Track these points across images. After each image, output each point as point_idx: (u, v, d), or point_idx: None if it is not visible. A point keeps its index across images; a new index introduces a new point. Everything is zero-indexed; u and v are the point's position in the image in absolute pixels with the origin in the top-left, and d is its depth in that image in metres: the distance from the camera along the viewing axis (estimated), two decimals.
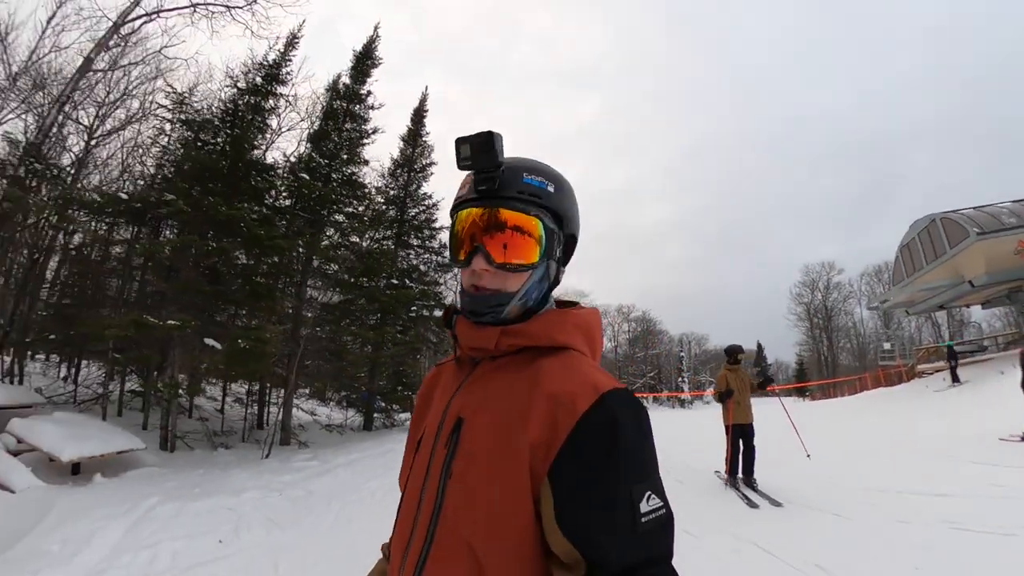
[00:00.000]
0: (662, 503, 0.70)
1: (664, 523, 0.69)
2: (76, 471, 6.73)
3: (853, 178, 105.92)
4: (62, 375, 14.98)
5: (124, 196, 9.90)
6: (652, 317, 62.56)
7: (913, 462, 7.95)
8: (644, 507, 0.68)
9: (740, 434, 6.91)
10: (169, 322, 8.18)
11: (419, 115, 17.68)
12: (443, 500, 0.76)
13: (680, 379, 54.45)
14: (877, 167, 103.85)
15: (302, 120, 14.82)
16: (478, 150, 0.81)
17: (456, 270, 1.01)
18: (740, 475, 6.78)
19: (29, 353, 14.13)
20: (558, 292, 1.01)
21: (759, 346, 56.61)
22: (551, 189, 0.87)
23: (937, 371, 19.81)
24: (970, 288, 18.15)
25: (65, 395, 11.90)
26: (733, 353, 7.41)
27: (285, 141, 12.32)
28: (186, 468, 7.65)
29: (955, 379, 16.64)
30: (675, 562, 0.70)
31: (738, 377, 7.20)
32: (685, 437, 12.99)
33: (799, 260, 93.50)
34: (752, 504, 5.87)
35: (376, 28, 15.04)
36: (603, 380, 0.76)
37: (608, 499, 0.67)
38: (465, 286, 0.87)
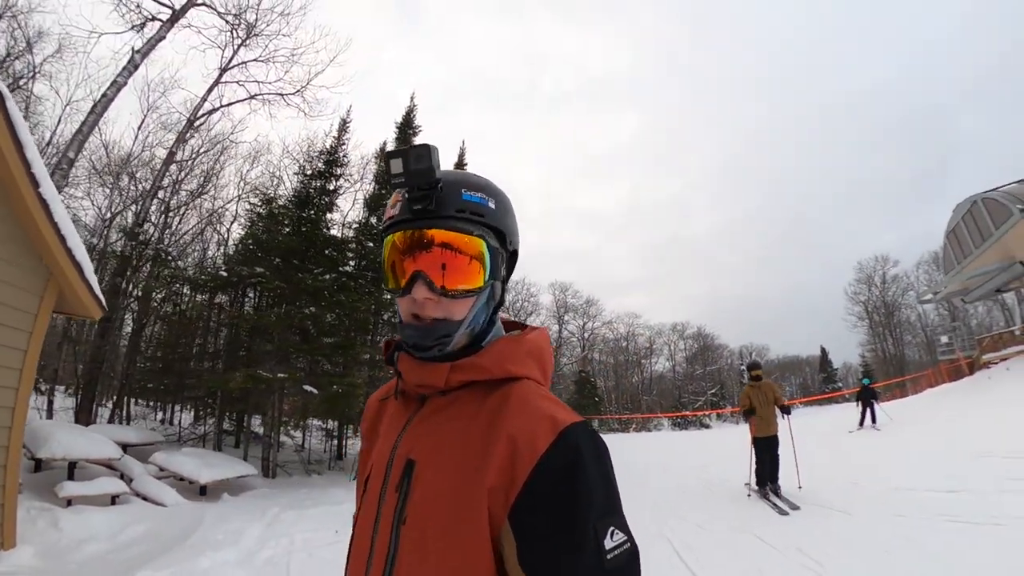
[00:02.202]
0: (626, 537, 0.68)
1: (630, 558, 0.67)
2: (203, 492, 8.24)
3: (903, 160, 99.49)
4: (159, 418, 17.22)
5: (224, 274, 11.89)
6: (708, 332, 61.18)
7: (942, 461, 7.98)
8: (608, 543, 0.66)
9: (764, 446, 7.27)
10: (279, 375, 9.88)
11: (460, 167, 19.12)
12: (396, 548, 0.72)
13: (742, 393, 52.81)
14: (925, 143, 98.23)
15: (356, 183, 16.89)
16: (412, 165, 0.74)
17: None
18: (768, 484, 7.12)
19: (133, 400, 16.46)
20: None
21: (823, 351, 54.41)
22: (492, 205, 0.81)
23: (1003, 359, 18.12)
24: (1023, 268, 17.12)
25: (171, 434, 13.83)
26: (751, 370, 7.72)
27: (343, 200, 14.12)
28: (290, 489, 9.14)
29: (864, 420, 14.42)
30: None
31: (760, 392, 7.45)
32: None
33: (858, 255, 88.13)
34: (782, 511, 6.25)
35: (412, 98, 17.10)
36: (561, 415, 0.73)
37: (573, 539, 0.65)
38: (404, 317, 0.80)
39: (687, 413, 45.05)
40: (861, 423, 14.27)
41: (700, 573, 4.47)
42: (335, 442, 14.93)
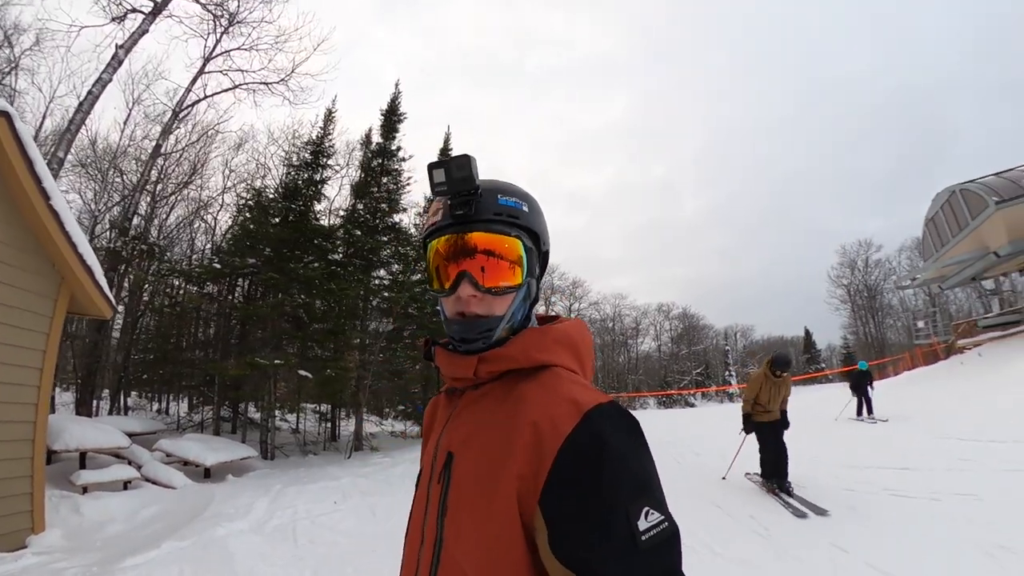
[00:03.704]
0: (663, 516, 0.66)
1: (668, 537, 0.66)
2: (208, 475, 8.77)
3: (891, 146, 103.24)
4: (155, 409, 17.75)
5: (217, 266, 12.38)
6: (694, 312, 62.57)
7: (902, 441, 8.42)
8: (643, 524, 0.64)
9: (769, 432, 6.45)
10: (275, 361, 10.48)
11: (445, 154, 18.60)
12: (442, 536, 0.76)
13: (727, 372, 54.09)
14: (912, 128, 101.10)
15: (342, 169, 17.22)
16: (454, 175, 0.80)
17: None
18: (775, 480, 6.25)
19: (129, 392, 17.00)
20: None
21: (807, 332, 55.54)
22: (526, 209, 0.86)
23: (976, 345, 18.57)
24: (996, 259, 17.44)
25: (171, 423, 14.34)
26: (779, 365, 6.46)
27: (329, 188, 14.51)
28: (289, 468, 9.77)
29: (861, 410, 12.83)
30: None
31: (775, 389, 6.48)
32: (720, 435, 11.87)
33: (845, 238, 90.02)
34: (800, 514, 5.24)
35: (397, 85, 17.10)
36: (586, 397, 0.73)
37: (603, 522, 0.64)
38: (450, 314, 0.85)
39: (673, 392, 46.11)
40: (859, 411, 12.80)
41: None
42: (328, 424, 15.54)
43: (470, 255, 0.82)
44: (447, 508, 0.77)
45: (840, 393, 16.20)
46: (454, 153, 17.76)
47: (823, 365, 51.17)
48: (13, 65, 16.61)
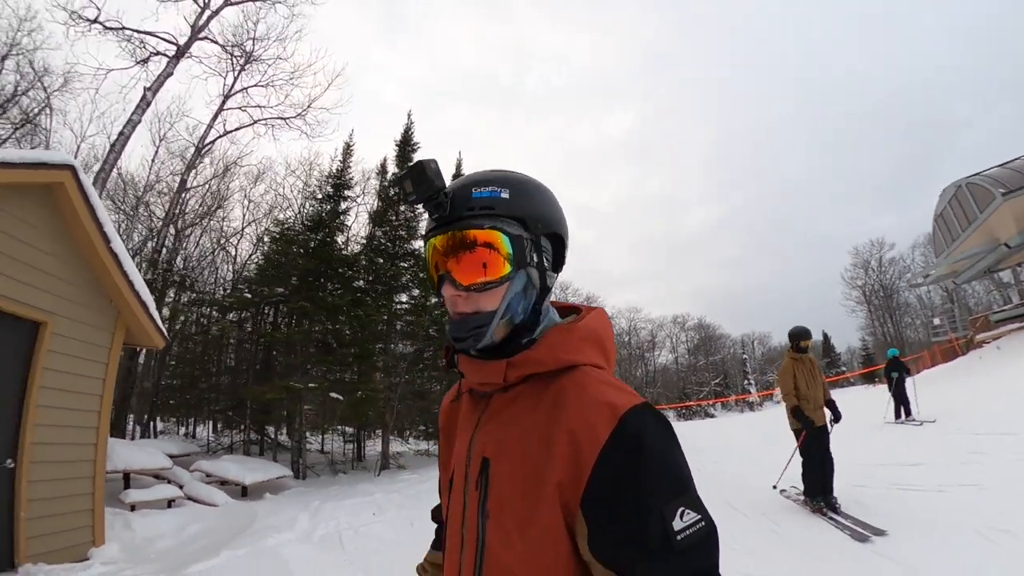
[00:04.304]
0: (699, 516, 0.68)
1: (705, 536, 0.67)
2: (245, 493, 9.21)
3: (894, 142, 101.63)
4: (182, 433, 18.36)
5: (248, 296, 13.07)
6: (710, 322, 62.52)
7: (914, 437, 8.53)
8: (679, 524, 0.66)
9: (814, 440, 5.58)
10: (310, 385, 11.05)
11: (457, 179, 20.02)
12: (484, 539, 0.77)
13: (746, 381, 53.26)
14: (916, 123, 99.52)
15: (359, 197, 17.91)
16: (416, 182, 0.80)
17: None
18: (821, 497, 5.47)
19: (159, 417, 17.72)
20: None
21: (825, 336, 54.58)
22: (505, 195, 0.83)
23: (995, 339, 18.41)
24: (1008, 250, 17.60)
25: (203, 446, 14.89)
26: (797, 338, 5.96)
27: (350, 217, 15.53)
28: (322, 487, 10.22)
29: (899, 412, 11.26)
30: None
31: (805, 368, 5.81)
32: (746, 447, 11.26)
33: (856, 238, 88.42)
34: (861, 536, 4.52)
35: (409, 116, 17.73)
36: (620, 399, 0.73)
37: (640, 523, 0.66)
38: (450, 315, 0.85)
39: (691, 403, 45.83)
40: (897, 413, 11.29)
41: None
42: (355, 445, 16.01)
43: (448, 255, 0.82)
44: (488, 513, 0.78)
45: (865, 394, 15.67)
46: (465, 165, 17.75)
47: (843, 368, 49.50)
48: (44, 105, 17.58)
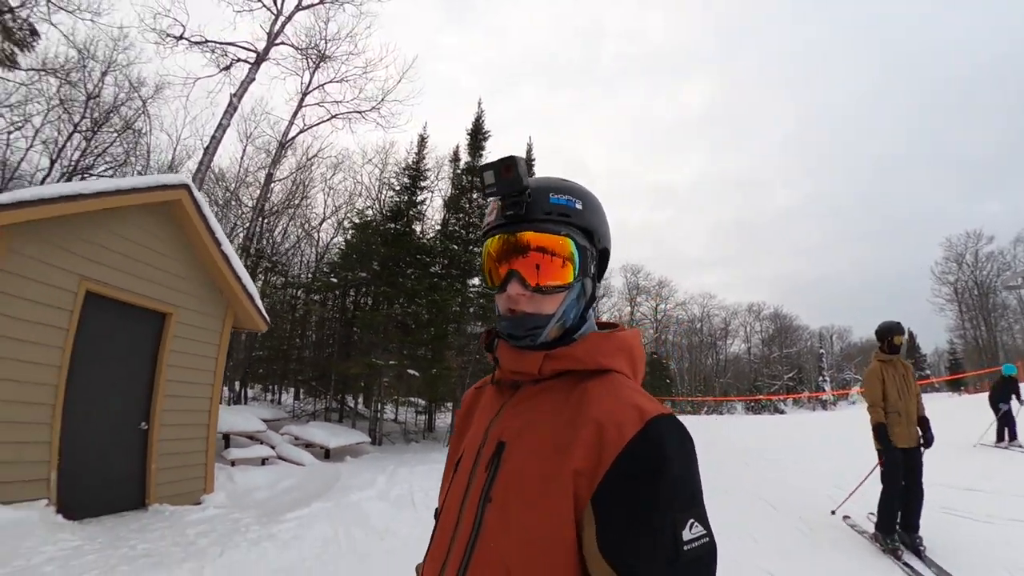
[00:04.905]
0: (705, 532, 0.70)
1: (707, 552, 0.69)
2: (327, 456, 10.54)
3: (1002, 117, 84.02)
4: (269, 400, 20.49)
5: (334, 280, 14.64)
6: (786, 313, 59.90)
7: (976, 458, 7.98)
8: (687, 535, 0.67)
9: (905, 463, 4.55)
10: (390, 362, 12.42)
11: (528, 167, 20.53)
12: (481, 523, 0.77)
13: (821, 378, 50.39)
14: None
15: (432, 184, 19.07)
16: (501, 176, 0.83)
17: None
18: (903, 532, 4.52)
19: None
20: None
21: (910, 335, 50.63)
22: (579, 207, 0.87)
23: None
24: None
25: (290, 412, 16.71)
26: (887, 336, 4.94)
27: (426, 204, 17.02)
28: (396, 453, 11.83)
29: (1002, 435, 9.94)
30: None
31: (898, 374, 4.79)
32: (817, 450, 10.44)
33: (951, 227, 77.15)
34: None
35: (479, 104, 18.83)
36: (649, 406, 0.75)
37: (652, 526, 0.67)
38: (502, 310, 0.87)
39: (761, 397, 44.54)
40: (1000, 436, 9.96)
41: None
42: (427, 416, 17.66)
43: (520, 254, 0.84)
44: (491, 497, 0.78)
45: (951, 405, 13.94)
46: (536, 162, 18.98)
47: (928, 372, 44.62)
48: (140, 112, 19.96)
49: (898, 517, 4.51)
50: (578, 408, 0.78)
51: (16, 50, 8.85)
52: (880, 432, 4.62)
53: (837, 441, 10.75)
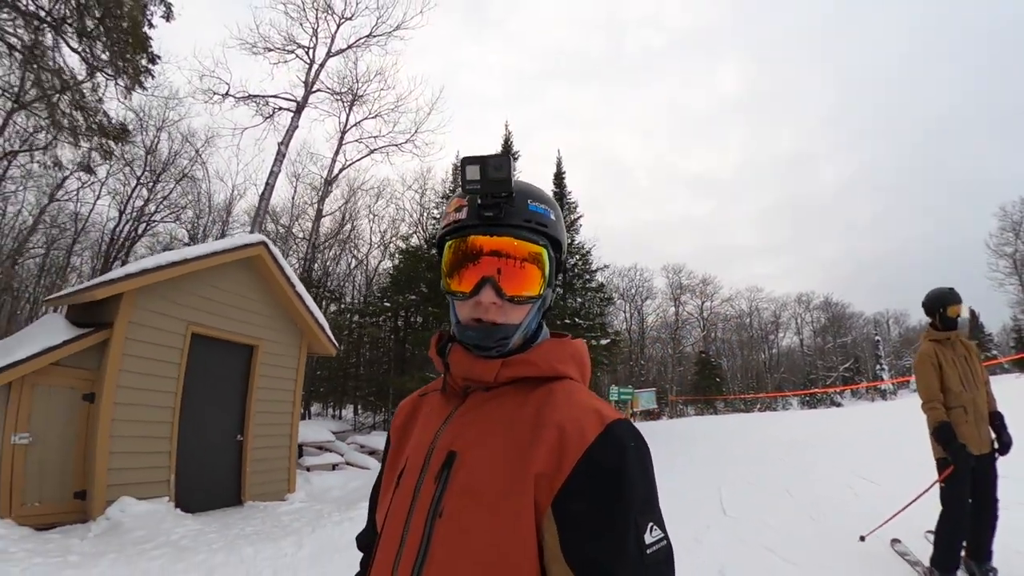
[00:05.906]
0: (663, 535, 0.70)
1: (668, 555, 0.69)
2: None
3: None
4: (330, 414, 22.38)
5: (387, 304, 16.16)
6: (838, 300, 57.58)
7: None
8: (648, 538, 0.68)
9: (974, 473, 3.43)
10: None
11: (559, 178, 19.50)
12: (429, 541, 0.73)
13: (878, 367, 47.89)
14: None
15: None
16: (491, 175, 0.77)
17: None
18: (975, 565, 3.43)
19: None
20: None
21: (972, 313, 46.52)
22: (553, 217, 0.85)
23: None
24: None
25: (351, 425, 18.30)
26: (938, 306, 3.78)
27: None
28: None
29: None
30: None
31: (958, 356, 3.65)
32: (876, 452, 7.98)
33: (1009, 192, 66.49)
34: None
35: (507, 126, 19.42)
36: (607, 410, 0.76)
37: (616, 529, 0.67)
38: (463, 318, 0.83)
39: (815, 390, 43.38)
40: None
41: None
42: None
43: (495, 260, 0.80)
44: (441, 511, 0.74)
45: (1018, 386, 11.72)
46: (568, 180, 19.83)
47: (995, 352, 40.72)
48: (194, 161, 22.76)
49: (962, 544, 3.42)
50: (537, 412, 0.77)
51: (112, 144, 10.46)
52: (943, 434, 3.43)
53: (890, 443, 8.50)
